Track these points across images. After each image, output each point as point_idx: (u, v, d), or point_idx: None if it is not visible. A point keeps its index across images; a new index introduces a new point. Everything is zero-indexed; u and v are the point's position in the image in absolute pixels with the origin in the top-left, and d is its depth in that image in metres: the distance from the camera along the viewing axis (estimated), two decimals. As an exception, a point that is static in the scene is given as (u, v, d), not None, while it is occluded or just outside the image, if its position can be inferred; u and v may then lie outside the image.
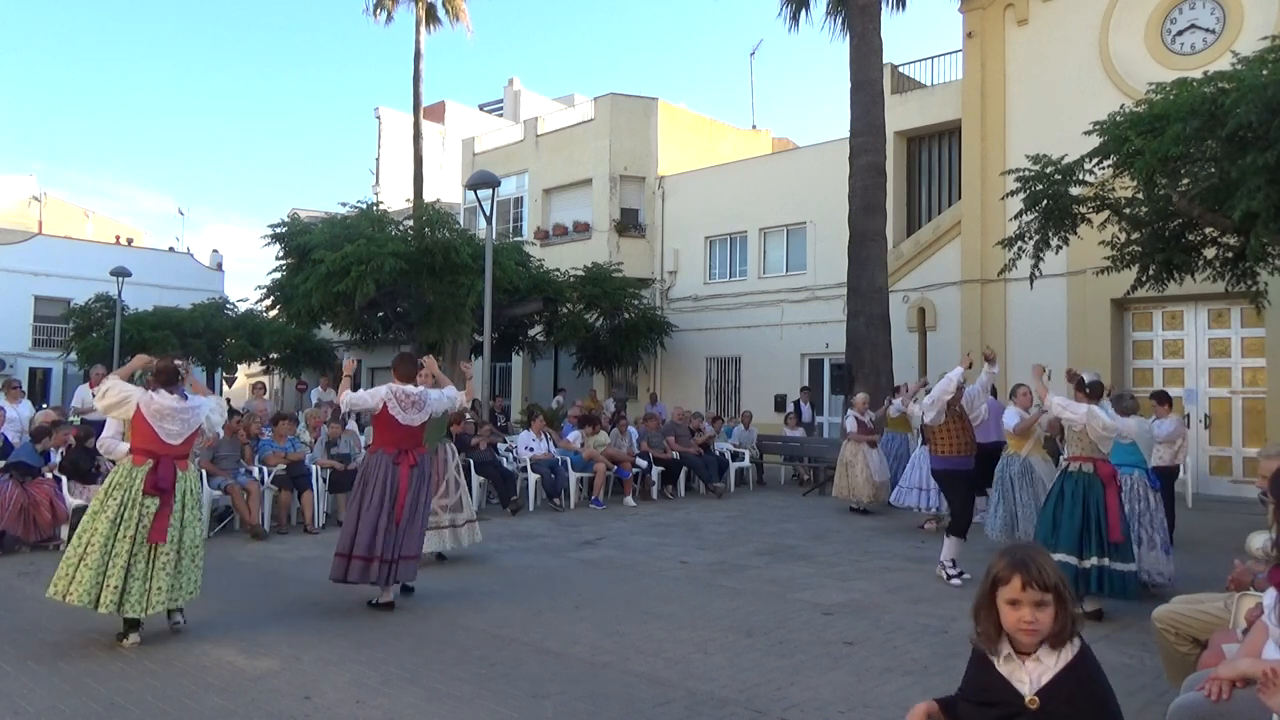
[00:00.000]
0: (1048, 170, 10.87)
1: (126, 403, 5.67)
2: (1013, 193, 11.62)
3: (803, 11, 18.72)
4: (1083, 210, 11.12)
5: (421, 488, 6.60)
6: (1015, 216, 11.66)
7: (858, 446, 12.06)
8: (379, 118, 35.59)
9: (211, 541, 8.94)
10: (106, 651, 5.33)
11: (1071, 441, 6.80)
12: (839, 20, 18.40)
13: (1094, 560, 6.35)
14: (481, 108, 40.43)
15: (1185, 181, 9.96)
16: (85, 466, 9.21)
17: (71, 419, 12.89)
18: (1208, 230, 10.62)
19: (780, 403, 19.18)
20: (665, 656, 5.36)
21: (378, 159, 35.25)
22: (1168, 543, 7.46)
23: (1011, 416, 8.52)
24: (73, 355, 25.51)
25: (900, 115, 18.45)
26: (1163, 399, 9.62)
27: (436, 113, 36.17)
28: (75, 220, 39.91)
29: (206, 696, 4.58)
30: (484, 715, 4.39)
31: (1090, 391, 6.97)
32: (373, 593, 6.52)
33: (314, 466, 10.54)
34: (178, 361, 6.09)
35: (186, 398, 5.82)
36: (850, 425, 12.35)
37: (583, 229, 23.64)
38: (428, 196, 24.10)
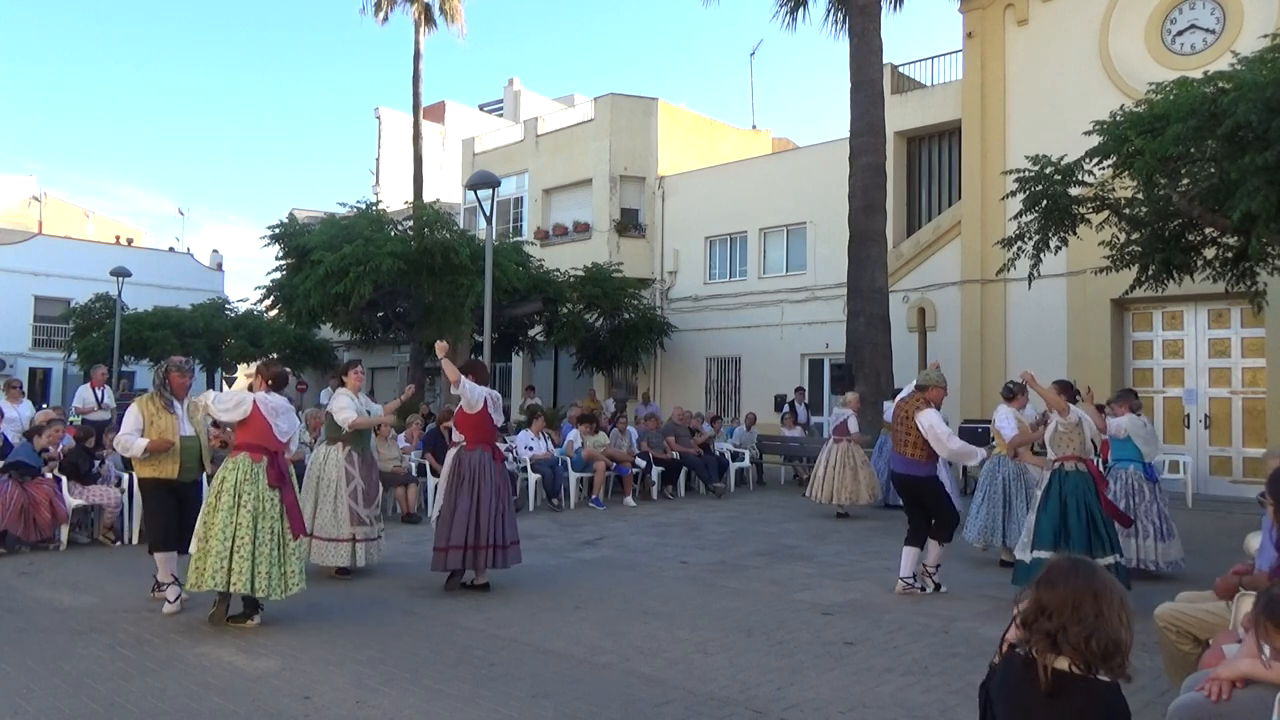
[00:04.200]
0: (1047, 170, 10.87)
1: (243, 404, 6.05)
2: (1012, 193, 11.63)
3: (800, 11, 18.72)
4: (1082, 210, 11.12)
5: (506, 479, 7.53)
6: (1015, 216, 11.66)
7: (858, 449, 11.70)
8: (379, 118, 35.60)
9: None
10: (107, 651, 5.33)
11: (1060, 443, 6.80)
12: (839, 20, 18.40)
13: (1114, 557, 6.48)
14: (481, 108, 40.44)
15: (1185, 181, 9.96)
16: (85, 467, 9.20)
17: (72, 419, 12.92)
18: (1207, 230, 10.62)
19: (781, 403, 19.18)
20: (665, 656, 5.36)
21: (378, 159, 35.25)
22: (1171, 530, 7.84)
23: (1009, 424, 8.29)
24: (73, 355, 25.52)
25: (900, 115, 18.46)
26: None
27: (436, 113, 36.17)
28: (75, 220, 39.91)
29: (206, 696, 4.58)
30: (484, 715, 4.39)
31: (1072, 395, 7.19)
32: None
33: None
34: (286, 369, 6.75)
35: (291, 400, 6.32)
36: (853, 426, 11.92)
37: (583, 229, 23.64)
38: (428, 196, 24.12)
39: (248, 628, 5.84)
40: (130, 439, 6.31)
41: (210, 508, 5.84)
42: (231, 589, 5.71)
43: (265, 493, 5.88)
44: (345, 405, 7.49)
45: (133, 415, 6.41)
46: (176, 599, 6.23)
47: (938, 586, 7.16)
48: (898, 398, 7.80)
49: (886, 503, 11.92)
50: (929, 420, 7.01)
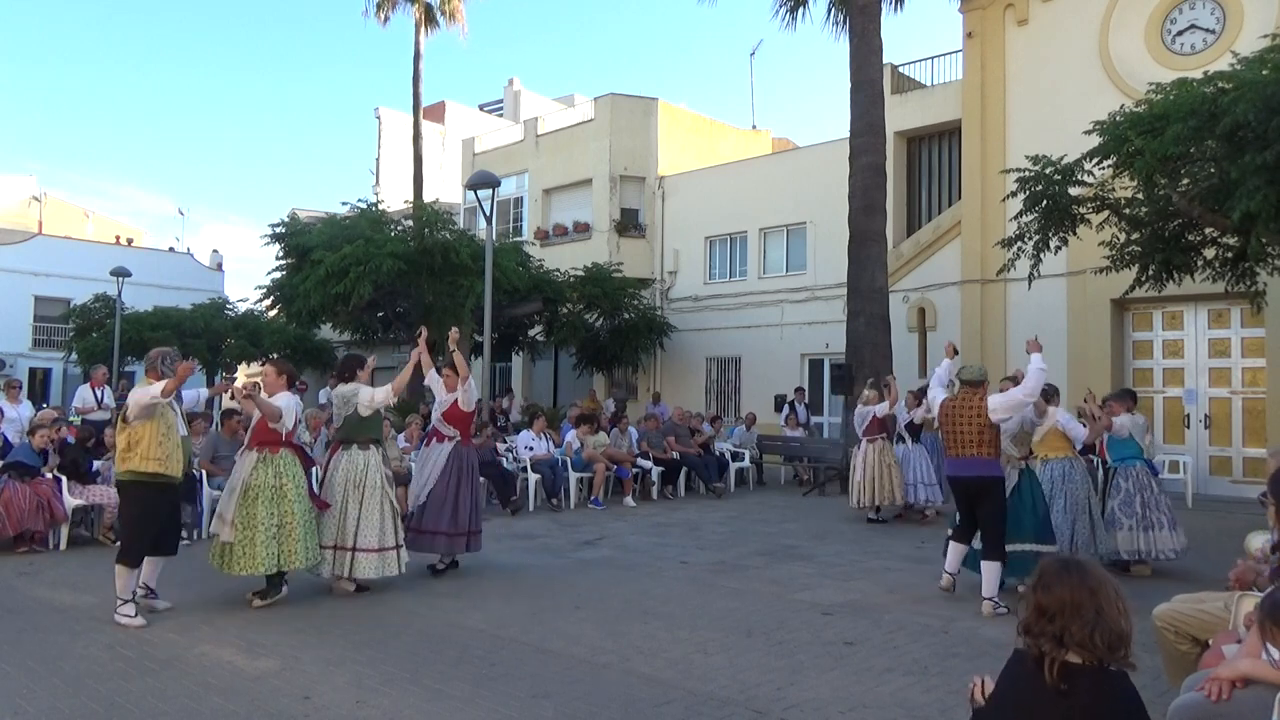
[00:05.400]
0: (1047, 171, 10.87)
1: (293, 409, 6.64)
2: (1013, 193, 11.63)
3: (800, 11, 18.70)
4: (1082, 210, 11.12)
5: None
6: (1015, 217, 11.66)
7: (890, 449, 11.37)
8: (379, 118, 35.58)
9: (212, 541, 8.94)
10: (106, 651, 5.34)
11: (1026, 443, 7.26)
12: (839, 20, 18.39)
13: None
14: (481, 108, 40.42)
15: (1185, 181, 9.97)
16: (84, 466, 9.20)
17: (72, 419, 12.92)
18: (1207, 230, 10.63)
19: (780, 403, 19.17)
20: (665, 656, 5.36)
21: (378, 159, 35.24)
22: (1176, 520, 8.07)
23: (1074, 423, 7.93)
24: (73, 355, 25.51)
25: (900, 115, 18.45)
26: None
27: (436, 113, 36.15)
28: (75, 220, 39.88)
29: (206, 696, 4.58)
30: (484, 715, 4.39)
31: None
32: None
33: (314, 467, 10.52)
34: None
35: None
36: (881, 411, 11.43)
37: (583, 229, 23.63)
38: (428, 196, 24.10)
39: (261, 604, 6.35)
40: (150, 386, 5.95)
41: (264, 499, 6.35)
42: (304, 564, 6.47)
43: (301, 477, 6.63)
44: (375, 390, 7.20)
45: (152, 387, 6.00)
46: (137, 614, 5.93)
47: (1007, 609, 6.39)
48: (936, 401, 7.27)
49: (909, 504, 11.77)
50: (998, 400, 6.76)
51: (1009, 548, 6.69)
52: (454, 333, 7.83)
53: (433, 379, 8.01)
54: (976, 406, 6.78)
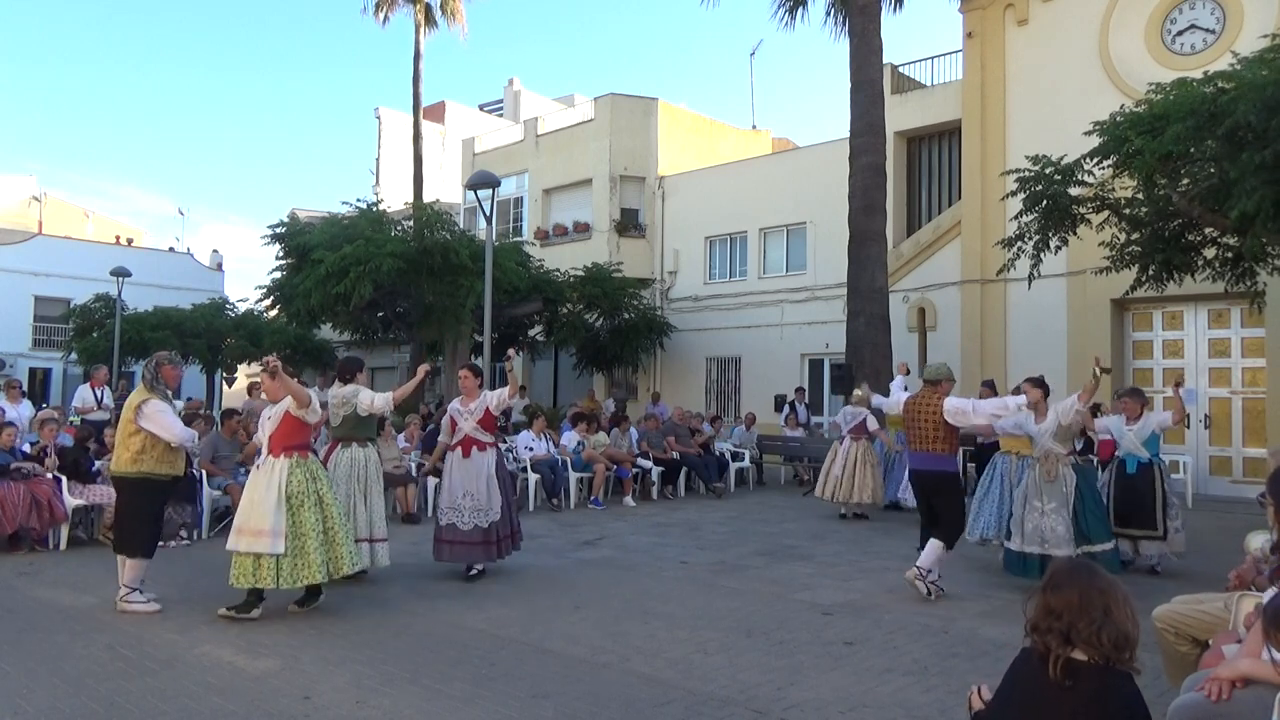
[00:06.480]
0: (1047, 171, 10.87)
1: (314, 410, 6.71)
2: (1013, 193, 11.63)
3: (799, 11, 18.71)
4: (1082, 210, 11.12)
5: None
6: (1015, 217, 11.66)
7: (872, 448, 11.53)
8: (379, 118, 35.60)
9: (212, 541, 8.95)
10: (106, 651, 5.33)
11: (1066, 438, 7.31)
12: (839, 20, 18.40)
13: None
14: (481, 108, 40.43)
15: (1185, 181, 9.96)
16: (85, 466, 9.20)
17: (72, 419, 12.92)
18: (1207, 230, 10.63)
19: (780, 403, 19.18)
20: (665, 656, 5.36)
21: (378, 159, 35.25)
22: None
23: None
24: (73, 355, 25.52)
25: (900, 115, 18.45)
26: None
27: (436, 113, 36.16)
28: (75, 220, 39.87)
29: (206, 696, 4.58)
30: (484, 715, 4.39)
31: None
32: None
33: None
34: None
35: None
36: (872, 424, 11.60)
37: (583, 229, 23.63)
38: (428, 196, 24.13)
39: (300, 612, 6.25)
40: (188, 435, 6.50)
41: (309, 504, 6.23)
42: (352, 569, 6.40)
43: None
44: (375, 395, 7.30)
45: (169, 412, 6.31)
46: (149, 599, 6.28)
47: (941, 591, 6.93)
48: (902, 398, 7.71)
49: (893, 502, 11.87)
50: (954, 404, 6.92)
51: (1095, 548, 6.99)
52: (511, 352, 8.71)
53: (446, 424, 7.97)
54: (935, 405, 7.04)
